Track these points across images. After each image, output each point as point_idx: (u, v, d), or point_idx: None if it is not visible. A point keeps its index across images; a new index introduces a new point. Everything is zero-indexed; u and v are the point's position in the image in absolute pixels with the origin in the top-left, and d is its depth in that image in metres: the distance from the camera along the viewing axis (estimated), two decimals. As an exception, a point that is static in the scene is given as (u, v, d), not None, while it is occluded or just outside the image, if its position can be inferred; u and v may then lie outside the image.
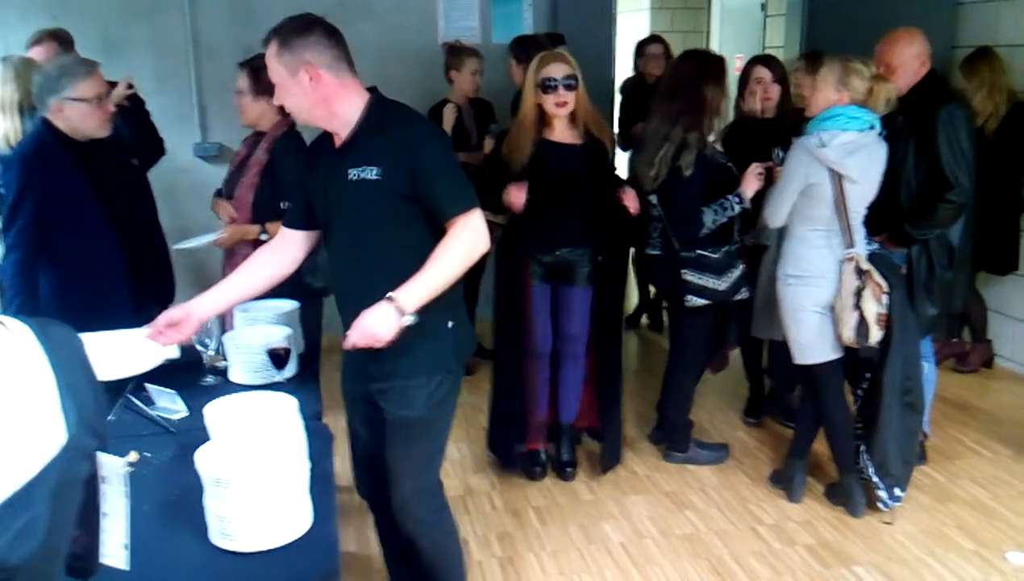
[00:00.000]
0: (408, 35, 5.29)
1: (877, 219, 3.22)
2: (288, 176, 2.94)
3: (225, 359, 2.53)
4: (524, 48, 4.37)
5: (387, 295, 2.04)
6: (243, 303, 2.53)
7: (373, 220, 2.17)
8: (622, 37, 6.41)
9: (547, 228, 3.38)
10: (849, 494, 3.32)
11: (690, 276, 3.45)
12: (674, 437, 3.79)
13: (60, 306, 2.93)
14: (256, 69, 2.99)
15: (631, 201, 3.37)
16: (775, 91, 3.89)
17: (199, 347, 2.47)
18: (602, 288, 3.52)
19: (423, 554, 2.38)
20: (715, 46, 7.67)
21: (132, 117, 3.73)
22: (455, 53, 4.66)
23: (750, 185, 3.44)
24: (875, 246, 3.22)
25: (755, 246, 3.64)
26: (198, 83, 5.11)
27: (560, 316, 3.52)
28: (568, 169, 3.33)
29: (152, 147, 3.95)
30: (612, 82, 5.51)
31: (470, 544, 3.16)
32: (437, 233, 2.15)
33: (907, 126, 3.33)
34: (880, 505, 3.26)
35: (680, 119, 3.37)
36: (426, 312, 2.09)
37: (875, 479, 3.24)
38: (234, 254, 3.18)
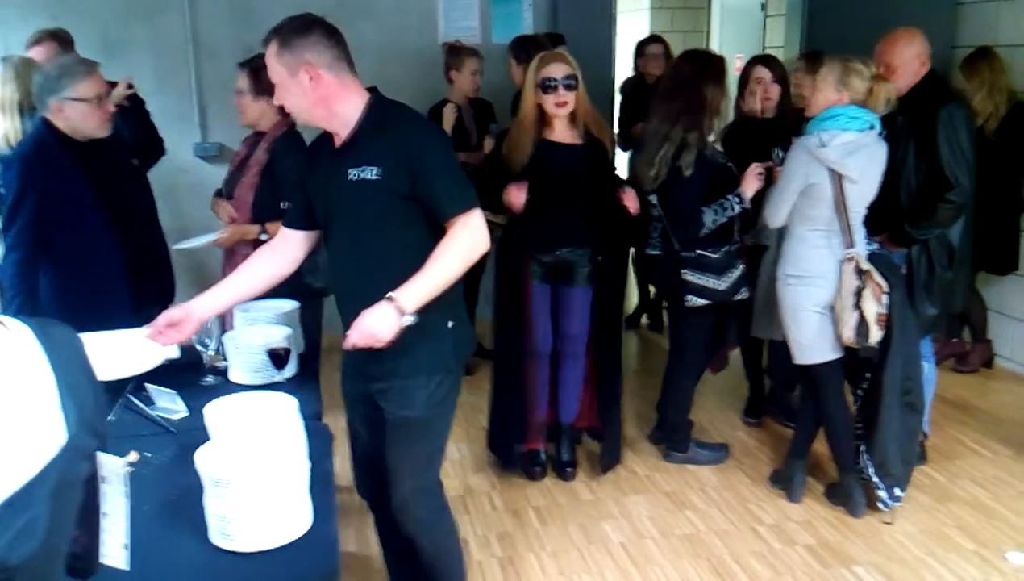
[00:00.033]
0: (408, 35, 5.29)
1: (877, 219, 3.22)
2: (288, 176, 2.94)
3: (225, 359, 2.53)
4: (524, 48, 4.37)
5: (387, 295, 2.04)
6: (243, 303, 2.53)
7: (373, 220, 2.17)
8: (622, 37, 6.41)
9: (547, 228, 3.38)
10: (849, 494, 3.32)
11: (690, 276, 3.45)
12: (674, 437, 3.79)
13: (60, 306, 2.93)
14: (256, 69, 2.99)
15: (631, 201, 3.37)
16: (775, 91, 3.89)
17: (199, 347, 2.47)
18: (602, 288, 3.52)
19: (423, 554, 2.38)
20: (715, 46, 7.67)
21: (132, 117, 3.73)
22: (455, 53, 4.65)
23: (750, 185, 3.44)
24: (875, 246, 3.22)
25: (755, 246, 3.64)
26: (198, 83, 5.11)
27: (560, 316, 3.52)
28: (568, 169, 3.33)
29: (152, 147, 3.95)
30: (612, 82, 5.51)
31: (470, 544, 3.16)
32: (437, 233, 2.15)
33: (907, 126, 3.32)
34: (880, 505, 3.26)
35: (680, 119, 3.37)
36: (426, 312, 2.09)
37: (875, 479, 3.24)
38: (234, 254, 3.18)
